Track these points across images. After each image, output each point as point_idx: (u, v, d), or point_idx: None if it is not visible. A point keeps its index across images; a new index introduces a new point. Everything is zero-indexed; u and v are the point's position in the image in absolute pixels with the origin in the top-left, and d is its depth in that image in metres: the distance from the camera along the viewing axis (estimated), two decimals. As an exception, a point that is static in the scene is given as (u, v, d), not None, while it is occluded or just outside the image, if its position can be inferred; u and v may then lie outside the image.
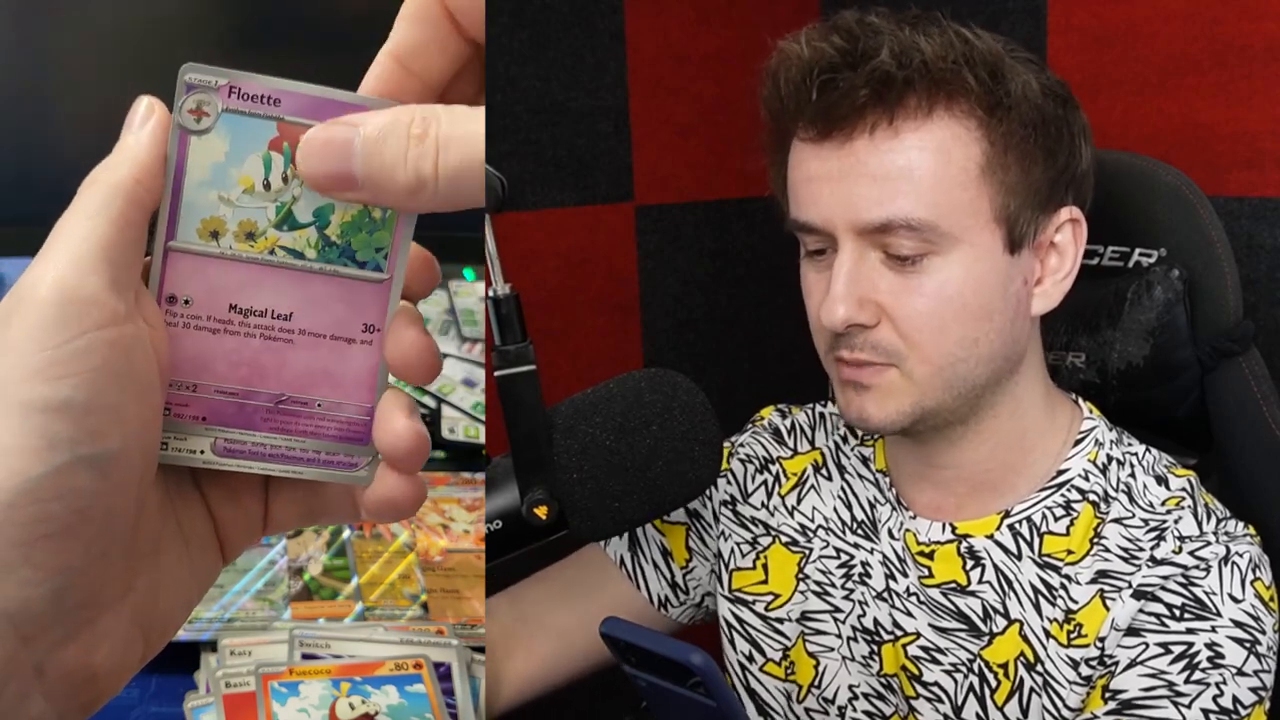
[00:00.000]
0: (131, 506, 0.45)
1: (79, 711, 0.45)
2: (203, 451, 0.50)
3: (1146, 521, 0.78)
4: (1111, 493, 0.80)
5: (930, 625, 0.82)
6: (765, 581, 0.90)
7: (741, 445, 0.94)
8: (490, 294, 0.60)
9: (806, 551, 0.89)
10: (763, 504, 0.92)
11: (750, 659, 0.90)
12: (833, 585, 0.87)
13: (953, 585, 0.82)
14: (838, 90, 0.73)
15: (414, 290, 0.51)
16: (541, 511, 0.61)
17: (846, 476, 0.89)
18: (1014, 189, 0.74)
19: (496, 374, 0.60)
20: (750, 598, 0.90)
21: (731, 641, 0.91)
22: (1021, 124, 0.74)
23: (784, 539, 0.90)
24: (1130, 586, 0.76)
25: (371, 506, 0.50)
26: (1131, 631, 0.76)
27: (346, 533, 1.06)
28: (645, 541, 0.95)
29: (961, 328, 0.75)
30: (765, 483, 0.92)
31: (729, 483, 0.93)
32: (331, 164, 0.46)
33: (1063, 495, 0.80)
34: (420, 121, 0.44)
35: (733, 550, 0.92)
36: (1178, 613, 0.75)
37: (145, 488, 0.46)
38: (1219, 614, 0.74)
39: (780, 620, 0.89)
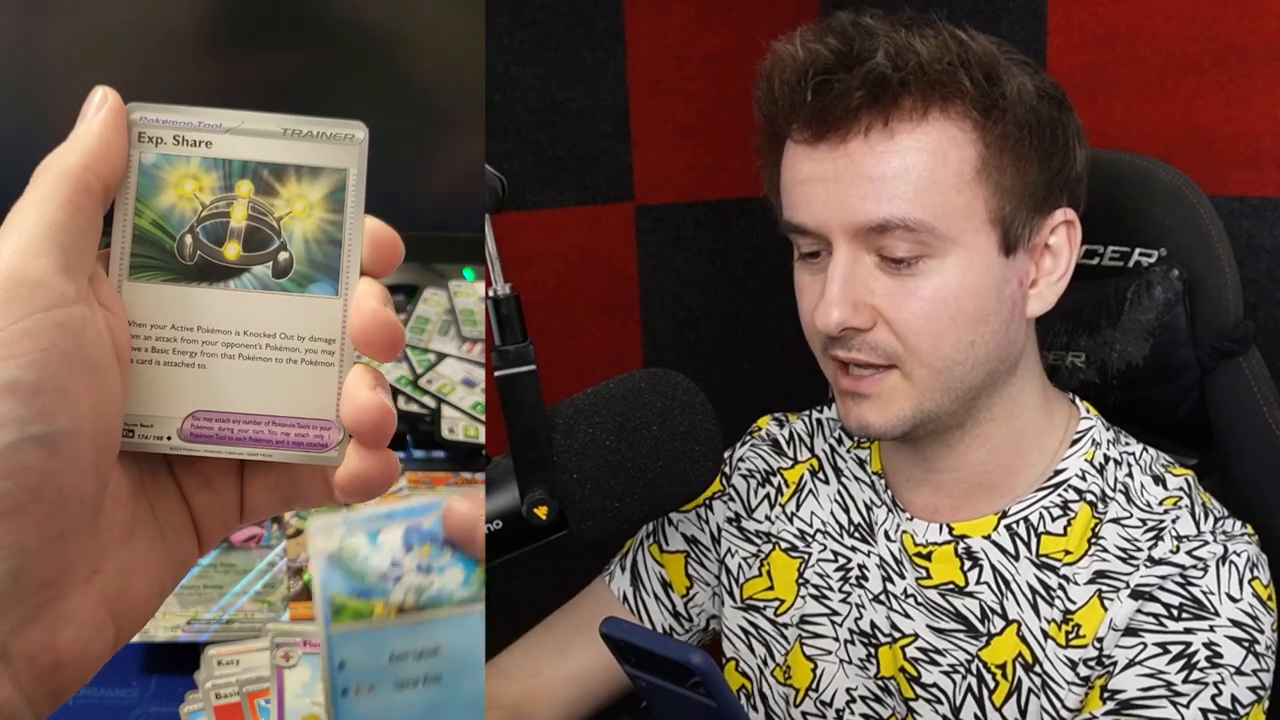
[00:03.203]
0: (89, 487, 0.45)
1: (48, 698, 0.45)
2: (169, 437, 0.50)
3: (1144, 521, 0.78)
4: (1109, 492, 0.80)
5: (928, 626, 0.82)
6: (771, 588, 0.90)
7: (742, 460, 0.94)
8: (490, 294, 0.60)
9: (806, 556, 0.89)
10: (766, 516, 0.92)
11: (765, 663, 0.90)
12: (830, 588, 0.87)
13: (950, 586, 0.82)
14: (833, 92, 0.73)
15: (376, 269, 0.51)
16: (541, 511, 0.61)
17: (843, 479, 0.89)
18: (1009, 191, 0.74)
19: (496, 374, 0.60)
20: (761, 604, 0.90)
21: (750, 648, 0.91)
22: (1017, 126, 0.74)
23: (784, 545, 0.90)
24: (1128, 586, 0.76)
25: (343, 485, 0.50)
26: (1130, 631, 0.76)
27: (346, 533, 1.06)
28: (645, 575, 0.95)
29: (958, 330, 0.75)
30: (768, 495, 0.92)
31: (732, 500, 0.93)
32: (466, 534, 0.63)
33: (1060, 495, 0.80)
34: None
35: (740, 565, 0.92)
36: (1176, 612, 0.75)
37: (106, 471, 0.46)
38: (1217, 613, 0.74)
39: (786, 625, 0.89)
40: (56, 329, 0.44)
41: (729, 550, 0.93)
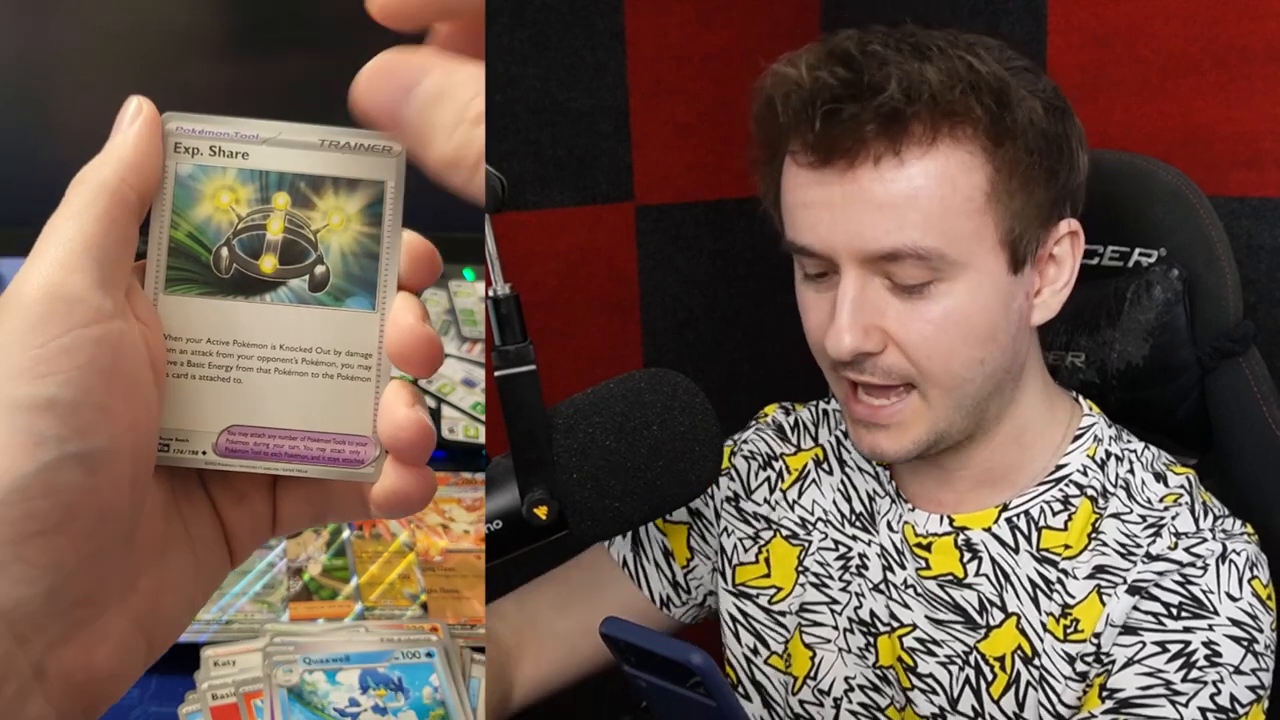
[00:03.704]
0: (125, 504, 0.45)
1: (81, 715, 0.45)
2: (205, 452, 0.50)
3: (1144, 517, 0.79)
4: (1110, 488, 0.80)
5: (926, 617, 0.82)
6: (768, 575, 0.90)
7: (745, 442, 0.95)
8: (490, 294, 0.60)
9: (806, 544, 0.89)
10: (765, 500, 0.92)
11: (755, 652, 0.90)
12: (830, 577, 0.87)
13: (949, 577, 0.82)
14: (842, 122, 0.72)
15: (413, 283, 0.51)
16: (541, 511, 0.61)
17: (847, 470, 0.90)
18: (1019, 214, 0.74)
19: (496, 374, 0.60)
20: (754, 591, 0.90)
21: (736, 636, 0.91)
22: (1027, 151, 0.73)
23: (784, 532, 0.90)
24: (1125, 582, 0.76)
25: (380, 502, 0.49)
26: (1129, 630, 0.76)
27: (346, 533, 1.06)
28: (647, 542, 0.95)
29: (968, 350, 0.75)
30: (769, 479, 0.92)
31: (732, 479, 0.93)
32: (387, 96, 0.45)
33: (1061, 490, 0.81)
34: (478, 104, 0.43)
35: (735, 546, 0.92)
36: (1175, 611, 0.75)
37: (142, 487, 0.46)
38: (1216, 612, 0.74)
39: (783, 613, 0.89)
40: (95, 345, 0.43)
41: (725, 529, 0.93)
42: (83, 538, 0.43)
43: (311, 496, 0.52)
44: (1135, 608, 0.76)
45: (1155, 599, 0.75)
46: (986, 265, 0.74)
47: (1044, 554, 0.80)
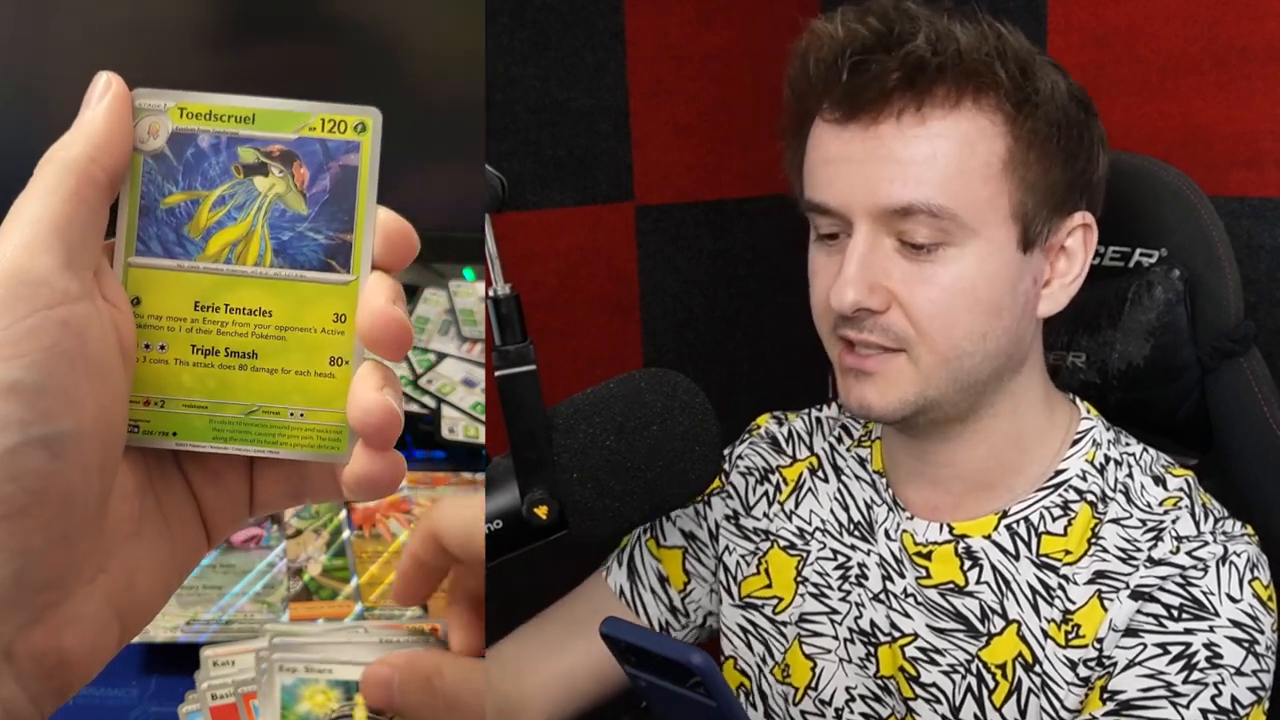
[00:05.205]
0: (93, 488, 0.45)
1: (52, 695, 0.45)
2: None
3: (1144, 522, 0.78)
4: (1109, 493, 0.80)
5: (928, 626, 0.82)
6: (769, 586, 0.90)
7: (740, 458, 0.94)
8: (490, 294, 0.60)
9: (804, 554, 0.89)
10: (764, 514, 0.92)
11: (764, 661, 0.90)
12: (830, 587, 0.87)
13: (950, 586, 0.82)
14: (869, 72, 0.73)
15: (388, 262, 0.50)
16: (541, 511, 0.61)
17: (843, 478, 0.89)
18: (1033, 188, 0.75)
19: (496, 374, 0.60)
20: (760, 602, 0.90)
21: (749, 645, 0.91)
22: (1046, 123, 0.75)
23: (782, 543, 0.90)
24: (1128, 587, 0.76)
25: (349, 484, 0.49)
26: (1130, 632, 0.76)
27: (346, 533, 1.06)
28: (643, 569, 0.95)
29: (971, 320, 0.75)
30: (766, 493, 0.92)
31: (730, 497, 0.93)
32: (383, 700, 0.59)
33: (1060, 495, 0.80)
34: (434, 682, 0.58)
35: (738, 562, 0.92)
36: (1176, 613, 0.75)
37: (110, 469, 0.46)
38: (1217, 614, 0.74)
39: (785, 624, 0.89)
40: (60, 327, 0.43)
41: (726, 548, 0.93)
42: (49, 521, 0.43)
43: (287, 476, 0.52)
44: (1138, 611, 0.76)
45: (1156, 601, 0.75)
46: (997, 237, 0.75)
47: (1044, 560, 0.80)
